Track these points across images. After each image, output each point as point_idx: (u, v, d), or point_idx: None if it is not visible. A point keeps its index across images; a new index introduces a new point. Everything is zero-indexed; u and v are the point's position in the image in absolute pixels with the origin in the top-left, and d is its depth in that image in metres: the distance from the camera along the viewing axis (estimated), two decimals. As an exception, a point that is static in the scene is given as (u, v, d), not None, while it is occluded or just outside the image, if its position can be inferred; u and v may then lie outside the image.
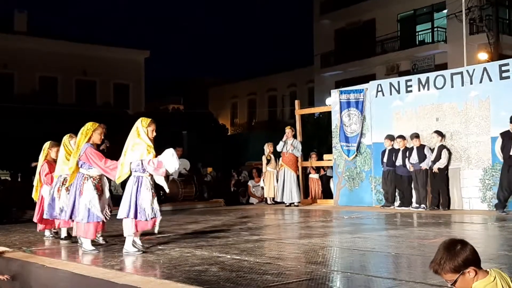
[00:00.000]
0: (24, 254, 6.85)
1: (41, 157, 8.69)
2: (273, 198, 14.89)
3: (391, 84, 13.01)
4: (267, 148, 15.00)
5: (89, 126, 7.25)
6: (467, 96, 11.61)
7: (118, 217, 6.77)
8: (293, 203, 13.63)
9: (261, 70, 41.28)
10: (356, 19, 31.15)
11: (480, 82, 11.44)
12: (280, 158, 14.12)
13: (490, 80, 11.30)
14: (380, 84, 13.24)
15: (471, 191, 11.35)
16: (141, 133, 6.86)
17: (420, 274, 4.88)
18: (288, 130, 13.92)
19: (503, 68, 11.19)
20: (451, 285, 2.95)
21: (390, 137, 12.41)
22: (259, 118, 41.25)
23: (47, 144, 8.73)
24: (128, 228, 6.66)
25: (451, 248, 2.93)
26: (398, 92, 12.78)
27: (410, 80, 12.75)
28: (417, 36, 29.43)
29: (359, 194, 13.26)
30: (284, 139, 13.84)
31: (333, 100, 14.08)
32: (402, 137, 12.18)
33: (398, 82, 12.95)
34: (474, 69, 11.74)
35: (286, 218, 11.59)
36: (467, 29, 23.54)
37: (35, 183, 8.71)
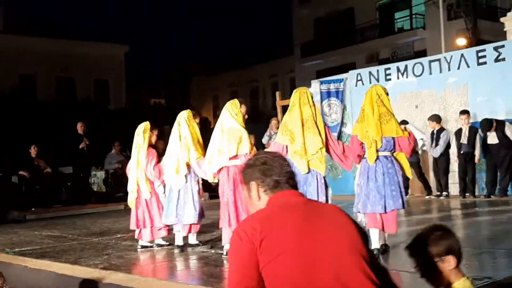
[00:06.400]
0: (6, 256, 6.81)
1: (142, 142, 6.60)
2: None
3: (370, 72, 13.08)
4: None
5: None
6: (445, 82, 11.70)
7: None
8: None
9: (242, 61, 41.07)
10: (335, 8, 31.19)
11: (458, 68, 11.53)
12: (265, 149, 14.08)
13: (468, 66, 11.39)
14: (360, 73, 13.30)
15: (451, 178, 11.43)
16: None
17: (410, 263, 4.91)
18: (274, 121, 13.87)
19: (480, 54, 11.28)
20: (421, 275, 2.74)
21: (371, 126, 12.45)
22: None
23: (147, 126, 6.75)
24: None
25: (433, 234, 2.70)
26: (378, 80, 12.83)
27: (389, 68, 12.84)
28: (395, 23, 29.55)
29: (342, 183, 13.28)
30: (267, 133, 13.80)
31: (314, 90, 14.09)
32: (382, 125, 12.22)
33: (377, 70, 13.03)
34: (451, 56, 11.83)
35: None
36: (444, 15, 23.75)
37: (134, 179, 6.54)
